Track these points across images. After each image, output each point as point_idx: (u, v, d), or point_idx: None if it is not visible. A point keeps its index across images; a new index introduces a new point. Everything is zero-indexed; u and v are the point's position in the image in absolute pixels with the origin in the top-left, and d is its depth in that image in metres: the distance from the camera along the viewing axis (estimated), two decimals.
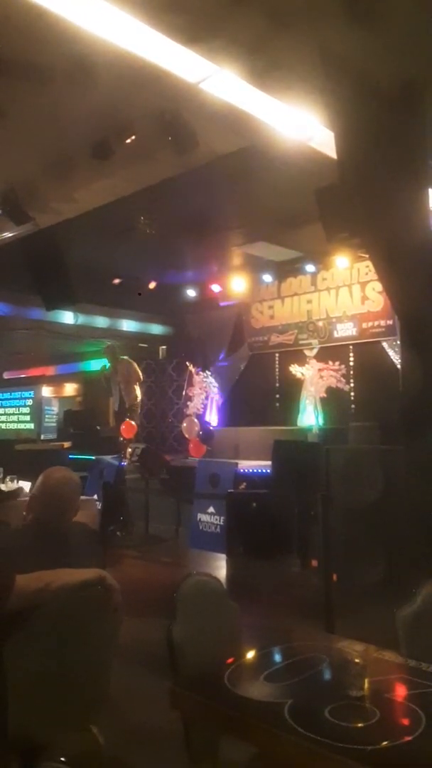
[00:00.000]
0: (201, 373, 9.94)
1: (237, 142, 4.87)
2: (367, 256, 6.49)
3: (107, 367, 9.89)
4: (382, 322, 8.56)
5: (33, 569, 1.97)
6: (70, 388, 17.03)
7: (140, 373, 9.79)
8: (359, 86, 3.71)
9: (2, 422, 17.10)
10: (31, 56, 3.84)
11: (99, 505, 6.84)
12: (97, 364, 15.11)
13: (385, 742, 1.51)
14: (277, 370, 9.99)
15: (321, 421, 8.67)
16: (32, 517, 2.32)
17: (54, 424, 15.85)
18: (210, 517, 6.94)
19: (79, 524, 2.47)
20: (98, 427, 11.60)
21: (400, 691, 1.84)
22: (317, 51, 3.54)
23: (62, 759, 1.22)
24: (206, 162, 5.09)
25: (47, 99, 4.26)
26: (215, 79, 3.94)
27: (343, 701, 1.67)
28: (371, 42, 3.53)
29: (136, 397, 9.65)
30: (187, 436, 9.00)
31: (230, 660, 1.95)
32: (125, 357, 9.85)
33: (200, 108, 4.25)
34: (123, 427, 10.25)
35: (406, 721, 1.65)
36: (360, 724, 1.59)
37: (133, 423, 10.52)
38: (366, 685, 1.72)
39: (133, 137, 4.77)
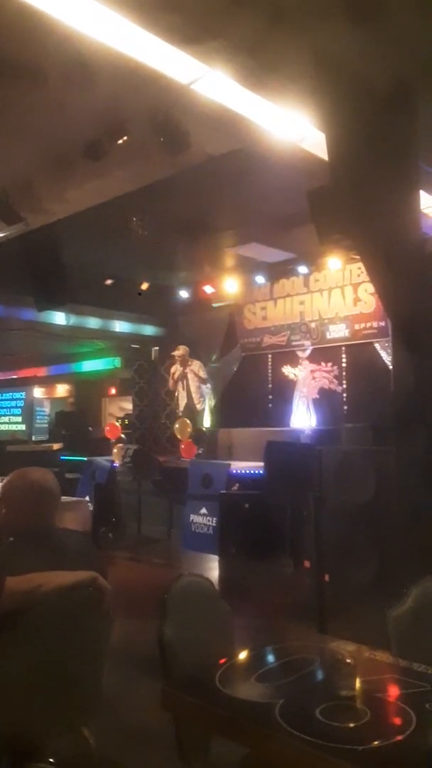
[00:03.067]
0: None
1: (229, 144, 4.87)
2: (359, 257, 6.51)
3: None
4: (375, 324, 8.58)
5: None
6: (61, 389, 16.99)
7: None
8: (351, 88, 3.72)
9: None
10: (24, 56, 3.83)
11: (91, 507, 6.83)
12: (89, 365, 15.11)
13: (376, 742, 1.52)
14: (269, 371, 9.99)
15: (313, 422, 8.68)
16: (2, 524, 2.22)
17: (45, 425, 15.80)
18: (202, 518, 6.94)
19: (68, 531, 2.41)
20: (90, 428, 11.57)
21: (392, 691, 1.84)
22: (309, 52, 3.55)
23: (51, 760, 1.21)
24: (198, 163, 5.09)
25: (39, 99, 4.25)
26: (207, 80, 3.95)
27: (334, 701, 1.67)
28: (363, 43, 3.54)
29: (202, 397, 9.37)
30: (179, 437, 8.98)
31: (222, 660, 1.95)
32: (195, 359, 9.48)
33: (192, 109, 4.25)
34: (107, 428, 10.21)
35: (397, 721, 1.65)
36: (351, 724, 1.59)
37: (117, 424, 10.52)
38: (357, 685, 1.72)
39: (125, 138, 4.76)
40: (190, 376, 9.23)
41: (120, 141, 4.78)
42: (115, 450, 8.30)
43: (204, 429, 8.97)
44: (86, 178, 5.44)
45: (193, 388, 9.22)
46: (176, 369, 9.38)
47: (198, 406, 9.24)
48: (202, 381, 9.31)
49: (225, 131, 4.58)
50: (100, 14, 3.40)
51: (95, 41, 3.57)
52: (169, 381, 9.57)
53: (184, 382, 9.27)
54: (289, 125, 4.49)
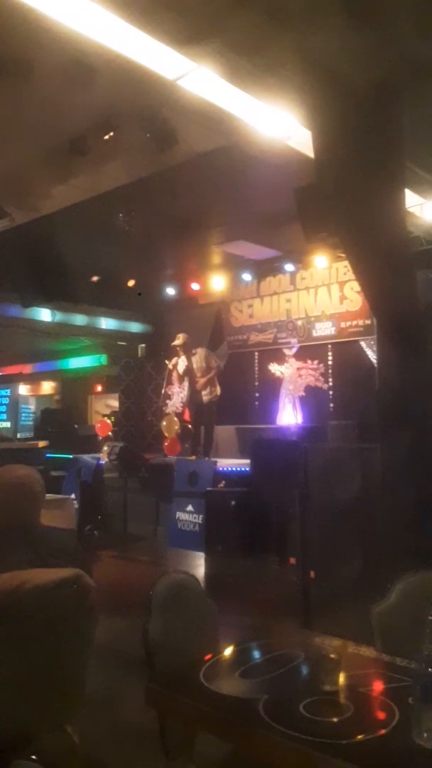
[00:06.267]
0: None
1: (216, 140, 4.87)
2: (345, 255, 6.54)
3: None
4: (360, 322, 8.63)
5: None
6: (47, 387, 16.89)
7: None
8: (337, 86, 3.73)
9: None
10: (8, 51, 3.79)
11: (76, 505, 6.81)
12: (75, 362, 15.03)
13: (359, 736, 1.52)
14: (256, 368, 10.02)
15: (300, 420, 8.72)
16: None
17: (31, 423, 15.70)
18: (189, 516, 6.94)
19: (53, 529, 2.40)
20: (76, 426, 11.52)
21: (375, 686, 1.85)
22: (296, 51, 3.56)
23: (33, 757, 1.21)
24: (185, 160, 5.08)
25: (25, 94, 4.21)
26: (193, 76, 3.94)
27: (318, 696, 1.67)
28: (350, 43, 3.55)
29: (217, 390, 8.25)
30: (166, 434, 8.96)
31: (207, 657, 1.95)
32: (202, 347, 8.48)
33: (179, 105, 4.24)
34: (98, 425, 10.04)
35: (380, 715, 1.66)
36: (335, 719, 1.60)
37: (108, 421, 10.35)
38: (341, 680, 1.73)
39: (112, 134, 4.74)
40: (197, 365, 8.22)
41: (106, 137, 4.75)
42: (105, 448, 8.25)
43: (189, 426, 8.71)
44: (72, 173, 5.41)
45: (200, 380, 8.19)
46: (179, 362, 8.27)
47: (205, 398, 8.16)
48: (213, 369, 8.24)
49: (212, 128, 4.57)
50: (87, 10, 3.38)
51: (82, 36, 3.54)
52: (170, 376, 8.57)
53: (188, 376, 8.22)
54: (276, 123, 4.50)
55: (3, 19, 3.43)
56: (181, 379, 8.48)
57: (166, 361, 8.84)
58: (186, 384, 8.43)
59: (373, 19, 3.38)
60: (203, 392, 8.24)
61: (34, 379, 16.75)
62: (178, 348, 8.35)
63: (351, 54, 3.66)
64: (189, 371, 8.27)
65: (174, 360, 8.48)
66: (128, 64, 3.78)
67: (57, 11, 3.39)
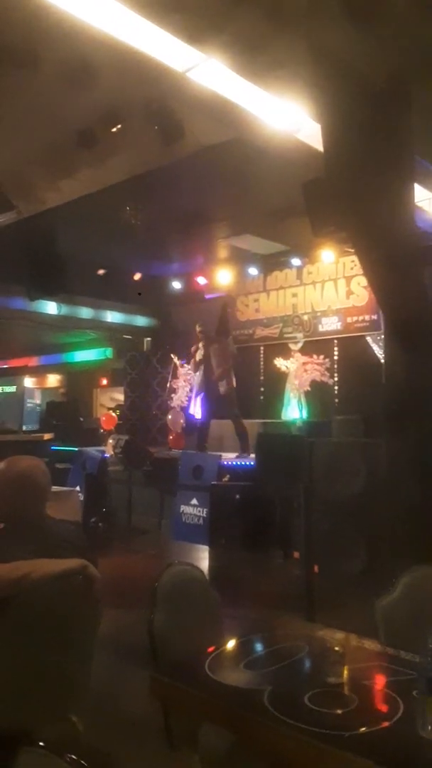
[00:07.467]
0: (185, 365, 9.89)
1: (224, 133, 4.84)
2: (352, 250, 6.51)
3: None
4: (367, 317, 8.61)
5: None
6: (53, 380, 16.93)
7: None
8: (347, 79, 3.71)
9: None
10: (16, 42, 3.78)
11: (81, 497, 6.83)
12: (81, 355, 15.04)
13: (363, 728, 1.53)
14: (261, 363, 10.01)
15: (305, 415, 8.71)
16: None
17: (36, 413, 15.73)
18: (193, 509, 6.95)
19: (59, 521, 2.41)
20: (81, 419, 11.54)
21: (379, 679, 1.86)
22: (306, 43, 3.53)
23: (41, 744, 1.23)
24: (193, 152, 5.06)
25: (32, 86, 4.20)
26: (202, 68, 3.91)
27: (322, 688, 1.68)
28: (360, 36, 3.52)
29: (233, 382, 8.02)
30: (171, 428, 8.97)
31: (211, 648, 1.96)
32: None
33: (187, 97, 4.22)
34: (103, 418, 10.04)
35: (384, 708, 1.67)
36: (339, 711, 1.61)
37: (113, 415, 10.36)
38: (345, 673, 1.74)
39: (119, 126, 4.73)
40: (214, 353, 8.06)
41: (114, 129, 4.74)
42: (110, 441, 8.26)
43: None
44: (79, 166, 5.40)
45: (217, 370, 8.00)
46: (199, 349, 8.23)
47: (222, 389, 7.94)
48: (232, 362, 8.13)
49: (220, 120, 4.55)
50: (95, 1, 3.36)
51: (89, 27, 3.52)
52: (176, 370, 8.83)
53: (204, 364, 8.16)
54: (285, 115, 4.47)
55: (10, 9, 3.42)
56: (196, 366, 8.45)
57: (172, 355, 8.84)
58: (200, 373, 8.36)
59: (382, 12, 3.36)
60: (220, 383, 8.07)
61: (39, 371, 16.79)
62: (198, 335, 8.29)
63: (361, 47, 3.63)
64: (205, 360, 8.25)
65: (194, 347, 8.45)
66: (137, 56, 3.75)
67: (65, 1, 3.37)
